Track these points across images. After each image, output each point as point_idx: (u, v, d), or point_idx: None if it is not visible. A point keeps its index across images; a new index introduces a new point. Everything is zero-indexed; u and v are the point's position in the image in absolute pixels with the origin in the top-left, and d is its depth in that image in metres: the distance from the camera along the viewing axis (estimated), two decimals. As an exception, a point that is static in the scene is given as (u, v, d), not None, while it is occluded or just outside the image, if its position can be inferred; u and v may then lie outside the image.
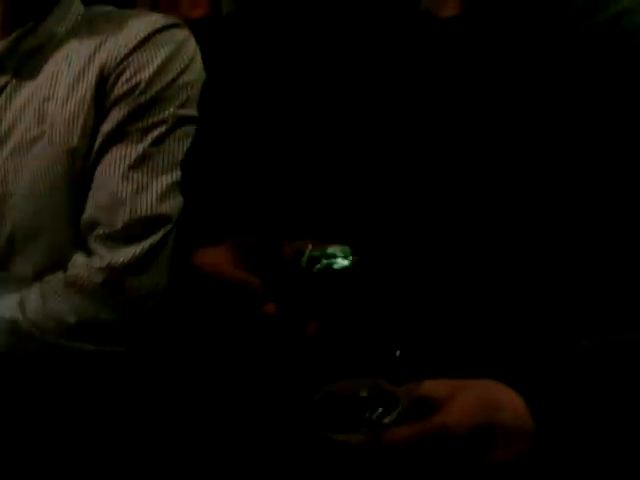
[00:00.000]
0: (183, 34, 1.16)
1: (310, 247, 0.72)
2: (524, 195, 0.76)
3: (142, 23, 1.14)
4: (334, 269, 0.70)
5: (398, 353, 0.64)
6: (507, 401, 0.66)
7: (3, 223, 1.11)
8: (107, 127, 1.10)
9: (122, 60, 1.11)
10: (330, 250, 0.71)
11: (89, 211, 1.09)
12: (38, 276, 1.09)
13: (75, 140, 1.09)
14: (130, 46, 1.12)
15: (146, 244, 1.06)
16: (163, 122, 1.09)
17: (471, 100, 0.79)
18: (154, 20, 1.15)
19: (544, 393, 0.67)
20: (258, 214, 0.88)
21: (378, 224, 0.80)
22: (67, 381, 1.07)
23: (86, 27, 1.17)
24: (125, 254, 1.05)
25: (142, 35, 1.12)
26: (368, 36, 0.85)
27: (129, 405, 1.09)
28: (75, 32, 1.17)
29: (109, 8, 1.22)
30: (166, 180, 1.08)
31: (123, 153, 1.09)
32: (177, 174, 1.08)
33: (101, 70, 1.11)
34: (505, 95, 0.79)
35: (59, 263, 1.09)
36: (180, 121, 1.10)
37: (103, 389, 1.08)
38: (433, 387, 0.65)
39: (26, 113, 1.12)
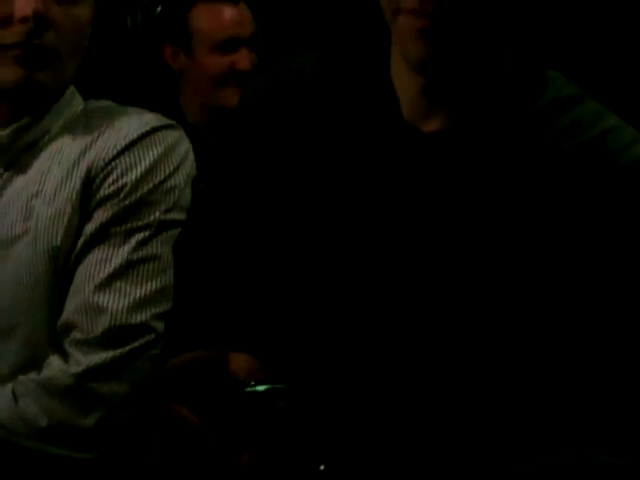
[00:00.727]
0: (175, 135, 1.16)
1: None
2: (511, 307, 0.77)
3: (134, 123, 1.15)
4: (262, 392, 0.76)
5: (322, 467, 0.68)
6: None
7: None
8: (90, 228, 1.09)
9: (110, 161, 1.11)
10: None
11: (67, 313, 1.08)
12: (13, 375, 1.08)
13: (58, 239, 1.09)
14: (119, 147, 1.12)
15: (124, 351, 1.04)
16: (148, 226, 1.09)
17: (455, 214, 0.80)
18: (146, 121, 1.16)
19: None
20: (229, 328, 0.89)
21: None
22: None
23: (81, 123, 1.18)
24: (101, 359, 1.03)
25: (132, 137, 1.13)
26: (351, 153, 0.85)
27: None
28: (70, 128, 1.17)
29: (108, 104, 1.23)
30: (149, 287, 1.07)
31: (105, 256, 1.08)
32: (161, 281, 1.08)
33: (89, 170, 1.11)
34: (489, 210, 0.79)
35: (35, 362, 1.08)
36: (165, 225, 1.10)
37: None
38: None
39: (14, 208, 1.13)
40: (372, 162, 0.85)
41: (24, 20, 1.08)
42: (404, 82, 0.84)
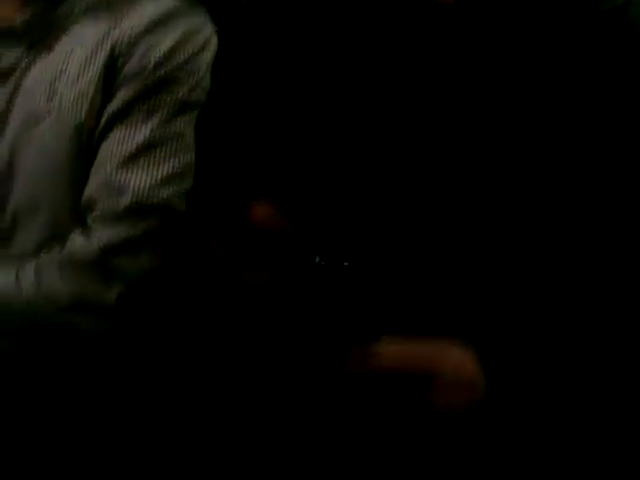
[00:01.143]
0: (200, 18, 1.15)
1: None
2: (518, 187, 0.75)
3: (159, 4, 1.14)
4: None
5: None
6: (453, 353, 0.66)
7: (9, 198, 1.12)
8: (113, 106, 1.10)
9: (133, 40, 1.11)
10: None
11: (89, 190, 1.09)
12: (38, 252, 1.10)
13: (82, 118, 1.09)
14: (142, 27, 1.11)
15: (145, 227, 1.05)
16: (171, 105, 1.09)
17: (469, 88, 0.78)
18: (172, 2, 1.14)
19: (496, 350, 0.67)
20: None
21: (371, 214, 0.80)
22: (57, 363, 1.07)
23: (104, 4, 1.16)
24: (123, 234, 1.05)
25: (156, 17, 1.12)
26: (366, 25, 0.84)
27: (120, 387, 1.09)
28: (92, 9, 1.16)
29: None
30: (172, 165, 1.08)
31: (127, 133, 1.08)
32: (184, 159, 1.08)
33: (112, 50, 1.11)
34: (505, 84, 0.77)
35: (59, 240, 1.09)
36: (188, 105, 1.10)
37: (94, 371, 1.08)
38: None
39: (37, 89, 1.13)
40: (385, 35, 0.83)
41: None
42: None
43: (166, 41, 1.10)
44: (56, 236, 1.10)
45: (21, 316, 1.06)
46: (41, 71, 1.14)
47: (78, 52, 1.13)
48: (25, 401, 1.08)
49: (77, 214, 1.09)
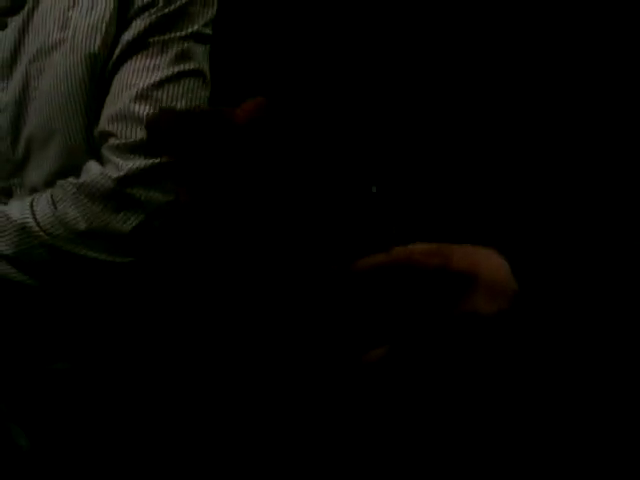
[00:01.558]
0: None
1: None
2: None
3: None
4: None
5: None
6: (490, 257, 0.66)
7: (23, 128, 1.12)
8: (128, 36, 1.09)
9: None
10: None
11: (104, 121, 1.08)
12: (50, 184, 1.10)
13: (96, 47, 1.08)
14: None
15: (162, 159, 1.06)
16: (187, 37, 1.08)
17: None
18: None
19: (530, 258, 0.68)
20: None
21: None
22: (72, 293, 1.09)
23: None
24: (140, 165, 1.05)
25: None
26: None
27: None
28: None
29: None
30: (187, 101, 1.07)
31: (143, 65, 1.08)
32: (200, 96, 1.08)
33: None
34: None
35: (72, 170, 1.09)
36: (204, 39, 1.09)
37: (109, 301, 1.10)
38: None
39: (50, 18, 1.11)
40: None
41: None
42: None
43: None
44: (68, 167, 1.10)
45: (37, 241, 1.06)
46: (53, 1, 1.12)
47: None
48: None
49: (91, 144, 1.10)
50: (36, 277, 1.07)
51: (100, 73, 1.09)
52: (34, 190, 1.12)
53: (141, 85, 1.07)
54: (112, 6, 1.09)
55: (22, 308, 1.09)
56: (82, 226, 1.05)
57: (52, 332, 1.10)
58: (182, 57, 1.08)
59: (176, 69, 1.07)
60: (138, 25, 1.09)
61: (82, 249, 1.06)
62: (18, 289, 1.07)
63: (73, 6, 1.11)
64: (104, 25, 1.09)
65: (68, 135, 1.10)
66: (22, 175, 1.13)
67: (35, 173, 1.13)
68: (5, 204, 1.12)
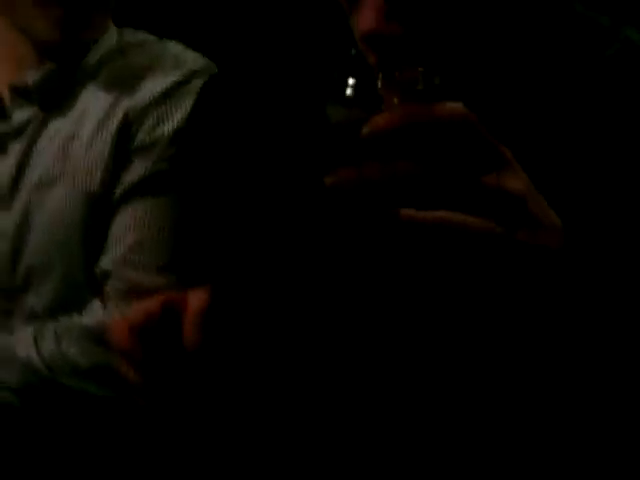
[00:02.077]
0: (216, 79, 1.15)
1: None
2: None
3: (170, 70, 1.14)
4: None
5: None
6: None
7: (22, 255, 1.13)
8: (130, 178, 1.10)
9: (146, 108, 1.11)
10: None
11: (108, 262, 1.10)
12: (49, 312, 1.11)
13: (95, 186, 1.10)
14: (155, 94, 1.12)
15: None
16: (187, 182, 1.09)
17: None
18: (184, 66, 1.14)
19: None
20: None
21: None
22: (76, 422, 1.09)
23: (118, 62, 1.17)
24: None
25: (168, 84, 1.12)
26: None
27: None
28: (106, 66, 1.16)
29: (145, 37, 1.21)
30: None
31: (145, 211, 1.10)
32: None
33: (125, 115, 1.11)
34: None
35: (71, 302, 1.11)
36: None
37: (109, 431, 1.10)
38: None
39: (51, 149, 1.13)
40: None
41: None
42: None
43: (179, 112, 1.11)
44: (67, 300, 1.11)
45: (42, 377, 1.07)
46: (54, 131, 1.14)
47: (91, 113, 1.13)
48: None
49: (92, 280, 1.11)
50: (37, 406, 1.09)
51: (101, 211, 1.11)
52: (34, 314, 1.13)
53: (142, 231, 1.09)
54: (111, 141, 1.11)
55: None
56: (84, 364, 1.06)
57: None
58: (184, 201, 1.09)
59: (176, 214, 1.07)
60: (138, 167, 1.11)
61: (85, 385, 1.07)
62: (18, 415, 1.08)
63: (73, 138, 1.13)
64: (104, 163, 1.11)
65: (67, 268, 1.12)
66: (22, 299, 1.14)
67: (35, 300, 1.14)
68: (6, 327, 1.13)
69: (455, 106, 0.57)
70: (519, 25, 0.78)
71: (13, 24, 1.13)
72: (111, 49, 1.18)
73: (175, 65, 1.15)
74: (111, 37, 1.19)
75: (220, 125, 0.91)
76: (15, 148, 1.14)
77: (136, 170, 1.10)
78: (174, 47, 1.19)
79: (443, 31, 0.71)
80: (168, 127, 1.10)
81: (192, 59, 1.17)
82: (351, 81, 0.58)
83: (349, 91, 0.58)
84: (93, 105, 1.13)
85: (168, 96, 1.12)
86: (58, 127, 1.14)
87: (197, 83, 1.10)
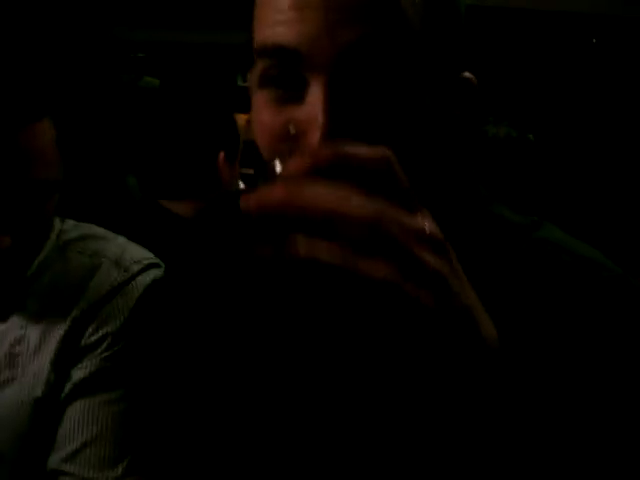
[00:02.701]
0: (156, 274, 1.18)
1: None
2: None
3: (115, 264, 1.17)
4: None
5: None
6: None
7: None
8: (76, 377, 1.13)
9: (91, 309, 1.15)
10: None
11: (56, 459, 1.12)
12: None
13: (41, 392, 1.13)
14: (99, 296, 1.15)
15: None
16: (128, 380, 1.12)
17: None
18: (125, 264, 1.18)
19: None
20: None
21: None
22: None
23: (59, 264, 1.19)
24: None
25: (112, 283, 1.16)
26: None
27: None
28: (49, 266, 1.18)
29: (86, 231, 1.24)
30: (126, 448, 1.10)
31: (91, 410, 1.12)
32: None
33: (71, 319, 1.14)
34: None
35: None
36: None
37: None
38: None
39: None
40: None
41: None
42: None
43: (124, 311, 1.15)
44: None
45: None
46: (1, 331, 1.16)
47: (37, 317, 1.16)
48: None
49: (42, 470, 1.13)
50: None
51: (48, 413, 1.14)
52: None
53: (93, 429, 1.11)
54: (58, 347, 1.14)
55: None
56: None
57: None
58: (125, 402, 1.12)
59: (118, 419, 1.12)
60: (85, 365, 1.14)
61: None
62: None
63: (20, 342, 1.16)
64: (51, 367, 1.14)
65: (17, 463, 1.14)
66: None
67: None
68: None
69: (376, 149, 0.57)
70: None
71: None
72: (52, 249, 1.20)
73: (117, 264, 1.19)
74: (53, 239, 1.21)
75: (162, 320, 0.96)
76: None
77: (83, 369, 1.14)
78: (115, 243, 1.23)
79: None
80: (113, 325, 1.14)
81: (132, 257, 1.21)
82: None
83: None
84: (37, 308, 1.17)
85: (112, 296, 1.16)
86: (4, 330, 1.16)
87: (140, 281, 1.17)
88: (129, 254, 1.21)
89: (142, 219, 1.83)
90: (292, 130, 0.70)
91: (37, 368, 1.14)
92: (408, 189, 0.57)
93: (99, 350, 1.14)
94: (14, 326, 1.17)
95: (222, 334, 0.86)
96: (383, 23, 0.67)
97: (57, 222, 1.24)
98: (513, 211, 0.85)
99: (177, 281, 0.96)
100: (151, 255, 1.23)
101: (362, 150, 0.56)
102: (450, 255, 0.58)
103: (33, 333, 1.16)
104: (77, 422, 1.12)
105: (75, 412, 1.12)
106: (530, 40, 3.98)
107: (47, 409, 1.13)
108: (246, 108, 0.80)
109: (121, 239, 1.25)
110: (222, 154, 1.93)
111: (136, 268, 1.19)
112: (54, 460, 1.12)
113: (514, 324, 0.68)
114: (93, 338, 1.14)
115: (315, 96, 0.68)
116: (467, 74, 0.79)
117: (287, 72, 0.70)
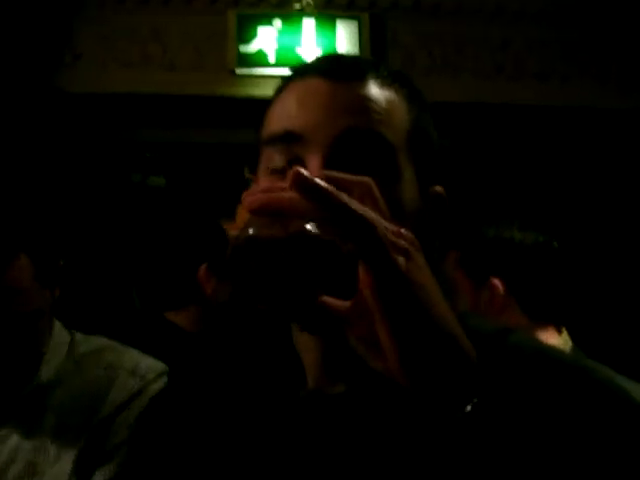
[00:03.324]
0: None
1: None
2: None
3: (130, 374, 1.25)
4: None
5: None
6: None
7: None
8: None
9: (109, 418, 1.21)
10: None
11: None
12: None
13: None
14: (116, 406, 1.22)
15: None
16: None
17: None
18: (140, 374, 1.26)
19: None
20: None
21: None
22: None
23: (76, 374, 1.26)
24: None
25: (127, 394, 1.23)
26: (258, 419, 0.88)
27: None
28: (62, 378, 1.25)
29: (99, 343, 1.31)
30: None
31: None
32: None
33: (90, 429, 1.20)
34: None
35: None
36: None
37: None
38: None
39: (17, 461, 1.20)
40: (277, 426, 0.87)
41: None
42: (307, 346, 0.87)
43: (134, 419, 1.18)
44: None
45: None
46: (18, 442, 1.21)
47: (56, 427, 1.22)
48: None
49: None
50: None
51: None
52: None
53: None
54: (77, 454, 1.19)
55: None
56: None
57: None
58: None
59: None
60: (106, 472, 1.19)
61: None
62: None
63: (39, 451, 1.21)
64: (72, 473, 1.18)
65: None
66: None
67: None
68: None
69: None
70: None
71: None
72: (65, 363, 1.27)
73: (133, 373, 1.26)
74: (61, 348, 1.30)
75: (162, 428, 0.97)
76: None
77: (102, 474, 1.19)
78: (129, 355, 1.31)
79: None
80: (129, 431, 1.19)
81: (148, 366, 1.29)
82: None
83: None
84: (57, 423, 1.22)
85: (127, 405, 1.23)
86: (22, 439, 1.21)
87: (154, 388, 1.23)
88: (144, 364, 1.30)
89: (143, 330, 1.90)
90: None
91: (57, 474, 1.19)
92: (386, 211, 0.68)
93: (118, 455, 1.19)
94: (33, 434, 1.22)
95: (218, 447, 0.90)
96: (365, 119, 0.84)
97: (65, 335, 1.32)
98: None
99: (179, 392, 1.01)
100: (163, 365, 1.31)
101: (347, 175, 0.69)
102: (417, 246, 0.67)
103: (53, 443, 1.21)
104: None
105: None
106: (550, 140, 3.82)
107: None
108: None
109: (133, 350, 1.33)
110: (204, 266, 1.96)
111: (151, 376, 1.27)
112: None
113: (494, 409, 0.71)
114: (112, 444, 1.20)
115: (313, 163, 0.81)
116: (438, 188, 0.91)
117: (290, 161, 0.84)
